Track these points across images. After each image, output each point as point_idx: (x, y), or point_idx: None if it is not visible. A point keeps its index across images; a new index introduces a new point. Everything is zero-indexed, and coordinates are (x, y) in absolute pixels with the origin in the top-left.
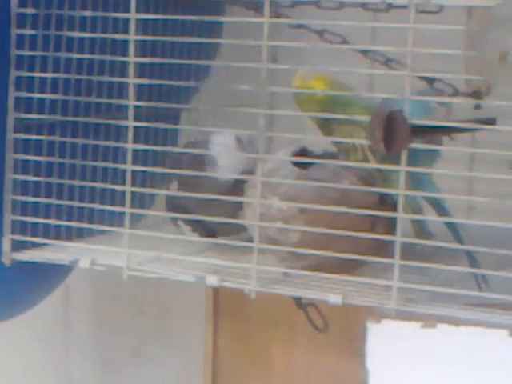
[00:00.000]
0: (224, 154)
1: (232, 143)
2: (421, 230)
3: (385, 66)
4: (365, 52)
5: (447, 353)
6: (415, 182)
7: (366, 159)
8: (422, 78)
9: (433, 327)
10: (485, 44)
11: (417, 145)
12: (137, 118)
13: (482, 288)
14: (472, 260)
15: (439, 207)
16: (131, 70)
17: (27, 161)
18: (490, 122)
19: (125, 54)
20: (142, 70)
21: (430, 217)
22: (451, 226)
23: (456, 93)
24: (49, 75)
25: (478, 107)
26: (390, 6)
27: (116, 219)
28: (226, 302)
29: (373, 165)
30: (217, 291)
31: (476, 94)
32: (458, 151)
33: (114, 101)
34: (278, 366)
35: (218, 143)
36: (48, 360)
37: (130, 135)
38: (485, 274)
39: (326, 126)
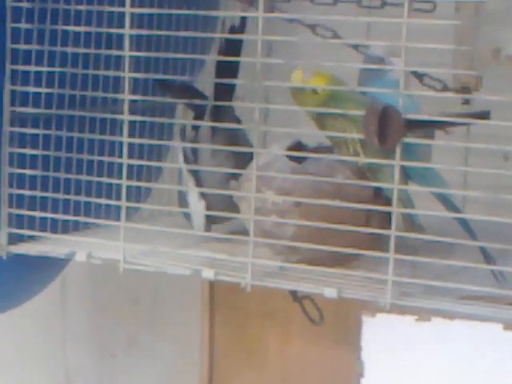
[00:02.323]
0: None
1: None
2: (411, 223)
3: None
4: (356, 46)
5: (442, 346)
6: (418, 177)
7: (356, 154)
8: (412, 73)
9: (427, 321)
10: (476, 39)
11: (410, 139)
12: (132, 111)
13: (498, 279)
14: (485, 253)
15: (445, 201)
16: (127, 64)
17: (23, 154)
18: (484, 115)
19: (120, 48)
20: (137, 64)
21: (423, 210)
22: (461, 220)
23: (445, 88)
24: (44, 69)
25: (466, 103)
26: (385, 3)
27: (112, 212)
28: (221, 293)
29: (363, 159)
30: (213, 282)
31: (464, 90)
32: (454, 145)
33: (109, 95)
34: (273, 357)
35: None
36: (45, 350)
37: (126, 129)
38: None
39: (320, 121)
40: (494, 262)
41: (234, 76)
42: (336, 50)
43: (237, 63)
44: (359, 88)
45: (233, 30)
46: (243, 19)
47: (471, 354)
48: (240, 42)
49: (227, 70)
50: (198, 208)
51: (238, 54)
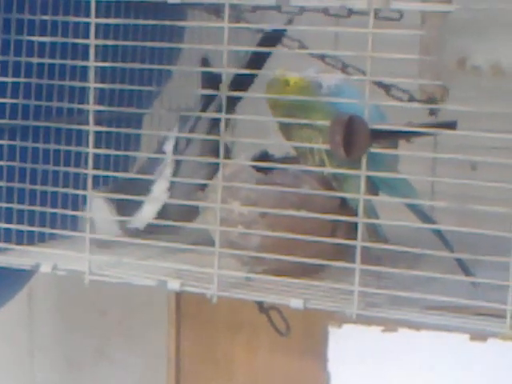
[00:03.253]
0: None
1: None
2: (375, 234)
3: (342, 72)
4: (323, 57)
5: (408, 357)
6: (386, 187)
7: (322, 164)
8: (379, 84)
9: (394, 331)
10: (442, 49)
11: (376, 149)
12: (99, 122)
13: (475, 286)
14: (461, 263)
15: (415, 210)
16: (91, 74)
17: None
18: (451, 125)
19: (86, 58)
20: (103, 75)
21: (389, 221)
22: (434, 230)
23: (411, 99)
24: (9, 79)
25: (432, 113)
26: (351, 12)
27: (78, 223)
28: (188, 305)
29: (329, 169)
30: (179, 294)
31: (431, 101)
32: (421, 154)
33: (74, 105)
34: (240, 369)
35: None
36: (12, 362)
37: (91, 139)
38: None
39: (287, 130)
40: (471, 272)
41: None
42: (303, 60)
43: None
44: (327, 98)
45: (266, 37)
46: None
47: (438, 364)
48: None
49: (244, 81)
50: (158, 197)
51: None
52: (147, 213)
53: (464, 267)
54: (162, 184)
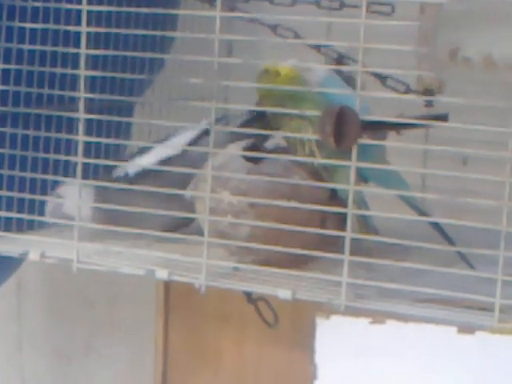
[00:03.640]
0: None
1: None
2: (365, 225)
3: (337, 62)
4: (318, 47)
5: (396, 349)
6: (375, 177)
7: (312, 154)
8: (373, 74)
9: (382, 323)
10: (435, 41)
11: (364, 141)
12: (90, 111)
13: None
14: (462, 254)
15: (407, 201)
16: (82, 62)
17: None
18: (443, 117)
19: (78, 45)
20: (95, 62)
21: (377, 212)
22: (433, 224)
23: (408, 90)
24: (0, 66)
25: (429, 105)
26: (344, 5)
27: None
28: (176, 296)
29: (319, 160)
30: (168, 285)
31: (427, 92)
32: (412, 146)
33: (65, 93)
34: (228, 360)
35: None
36: (1, 355)
37: (81, 127)
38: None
39: (277, 121)
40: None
41: None
42: (296, 51)
43: None
44: (317, 89)
45: None
46: None
47: (425, 356)
48: None
49: None
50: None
51: None
52: (145, 160)
53: (465, 259)
54: (181, 138)
